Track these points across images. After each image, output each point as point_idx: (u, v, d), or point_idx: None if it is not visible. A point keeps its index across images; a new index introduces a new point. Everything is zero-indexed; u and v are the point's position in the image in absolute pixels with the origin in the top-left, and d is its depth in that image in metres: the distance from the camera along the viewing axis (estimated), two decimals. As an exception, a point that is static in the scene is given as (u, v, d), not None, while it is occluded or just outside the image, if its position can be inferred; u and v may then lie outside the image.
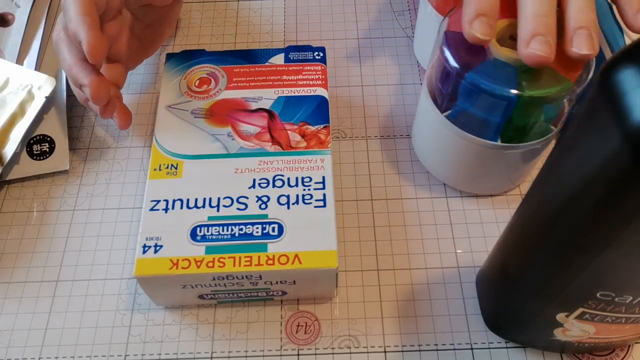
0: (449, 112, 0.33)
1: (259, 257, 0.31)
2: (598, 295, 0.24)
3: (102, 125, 0.42)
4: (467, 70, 0.30)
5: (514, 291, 0.29)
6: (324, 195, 0.33)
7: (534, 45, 0.28)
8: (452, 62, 0.31)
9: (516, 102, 0.30)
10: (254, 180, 0.33)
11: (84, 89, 0.34)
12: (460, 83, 0.31)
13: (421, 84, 0.43)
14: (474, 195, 0.38)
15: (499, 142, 0.32)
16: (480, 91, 0.30)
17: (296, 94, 0.37)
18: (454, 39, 0.32)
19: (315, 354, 0.33)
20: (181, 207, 0.32)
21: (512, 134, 0.32)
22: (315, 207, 0.32)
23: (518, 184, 0.38)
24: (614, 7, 0.38)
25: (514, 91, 0.29)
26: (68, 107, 0.41)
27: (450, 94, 0.32)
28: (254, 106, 0.37)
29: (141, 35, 0.40)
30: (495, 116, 0.31)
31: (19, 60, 0.42)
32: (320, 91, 0.37)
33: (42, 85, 0.39)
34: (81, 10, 0.33)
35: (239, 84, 0.38)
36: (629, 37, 0.38)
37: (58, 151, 0.39)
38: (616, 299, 0.24)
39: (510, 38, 0.31)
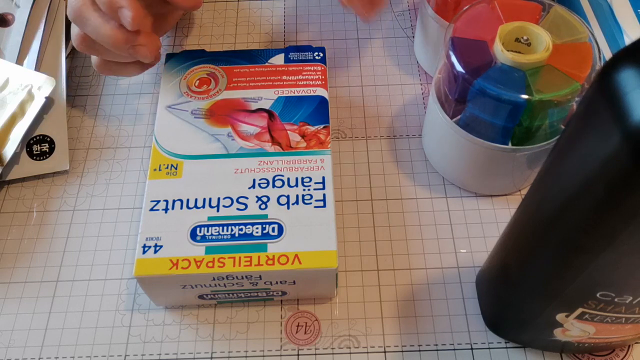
0: (458, 117, 0.33)
1: (258, 257, 0.31)
2: (598, 295, 0.24)
3: (102, 126, 0.42)
4: (474, 76, 0.30)
5: (514, 291, 0.29)
6: (324, 195, 0.33)
7: None
8: (459, 69, 0.31)
9: (526, 106, 0.30)
10: (254, 180, 0.33)
11: (139, 48, 0.34)
12: (469, 89, 0.31)
13: (421, 84, 0.43)
14: (474, 195, 0.38)
15: (509, 145, 0.32)
16: (489, 97, 0.30)
17: (296, 94, 0.37)
18: (460, 45, 0.32)
19: (315, 354, 0.33)
20: (181, 207, 0.32)
21: (523, 137, 0.32)
22: (315, 207, 0.32)
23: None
24: (613, 7, 0.39)
25: (523, 96, 0.29)
26: (68, 107, 0.41)
27: (459, 99, 0.32)
28: (253, 106, 0.37)
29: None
30: (506, 121, 0.31)
31: (19, 61, 0.42)
32: (320, 91, 0.37)
33: (42, 86, 0.39)
34: None
35: (238, 84, 0.38)
36: (629, 37, 0.38)
37: (58, 151, 0.39)
38: (616, 299, 0.24)
39: (516, 41, 0.31)
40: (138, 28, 0.33)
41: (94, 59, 0.37)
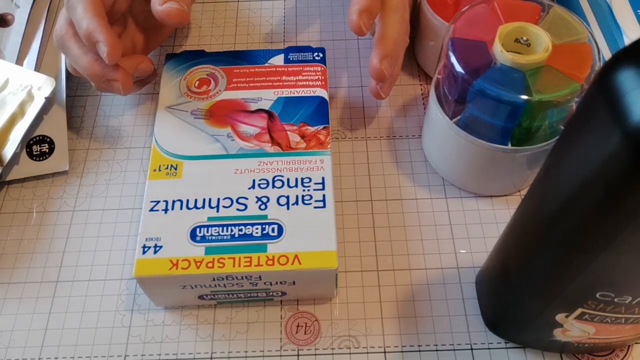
0: (458, 118, 0.33)
1: (258, 257, 0.31)
2: (598, 295, 0.24)
3: (102, 126, 0.42)
4: (474, 76, 0.30)
5: (513, 292, 0.29)
6: (324, 195, 0.33)
7: (385, 63, 0.35)
8: (459, 69, 0.31)
9: (526, 107, 0.30)
10: (254, 180, 0.33)
11: (113, 83, 0.35)
12: (469, 90, 0.31)
13: (421, 84, 0.43)
14: (474, 195, 0.38)
15: (509, 146, 0.32)
16: (489, 98, 0.30)
17: (296, 94, 0.37)
18: (459, 46, 0.32)
19: (315, 355, 0.33)
20: (181, 208, 0.32)
21: (522, 137, 0.32)
22: (314, 207, 0.32)
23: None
24: (613, 7, 0.39)
25: (523, 96, 0.29)
26: (68, 108, 0.41)
27: (458, 100, 0.32)
28: (253, 107, 0.37)
29: (135, 39, 0.40)
30: (505, 121, 0.31)
31: (19, 61, 0.42)
32: (320, 92, 0.37)
33: (42, 86, 0.39)
34: (93, 11, 0.33)
35: (238, 85, 0.38)
36: (629, 38, 0.38)
37: (58, 152, 0.39)
38: (616, 300, 0.24)
39: (515, 41, 0.31)
40: (115, 62, 0.34)
41: None
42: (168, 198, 0.33)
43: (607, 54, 0.37)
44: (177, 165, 0.34)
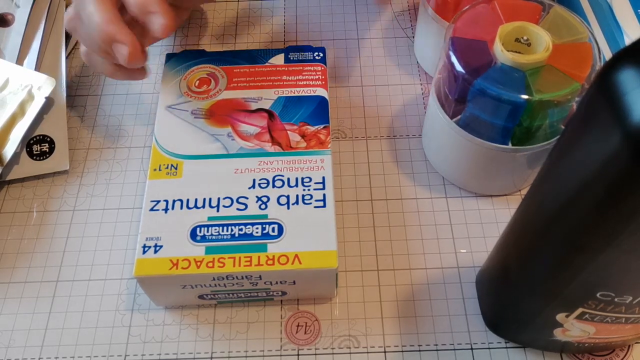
0: (458, 117, 0.33)
1: (258, 257, 0.31)
2: (598, 295, 0.24)
3: (102, 126, 0.42)
4: (474, 76, 0.30)
5: (513, 291, 0.29)
6: (324, 195, 0.33)
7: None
8: (459, 69, 0.31)
9: (526, 106, 0.30)
10: (254, 180, 0.33)
11: (121, 47, 0.33)
12: (469, 89, 0.31)
13: (421, 84, 0.43)
14: (474, 195, 0.38)
15: (509, 146, 0.32)
16: (489, 97, 0.30)
17: (296, 94, 0.37)
18: (460, 45, 0.32)
19: (315, 354, 0.33)
20: (181, 208, 0.32)
21: (523, 137, 0.32)
22: (315, 207, 0.32)
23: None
24: (613, 7, 0.38)
25: (523, 96, 0.29)
26: (68, 107, 0.41)
27: (459, 99, 0.32)
28: (253, 106, 0.37)
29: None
30: (506, 121, 0.31)
31: (19, 61, 0.42)
32: (320, 91, 0.37)
33: (42, 86, 0.39)
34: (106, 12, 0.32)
35: (238, 84, 0.38)
36: (629, 37, 0.38)
37: (58, 151, 0.39)
38: (616, 299, 0.24)
39: (516, 41, 0.31)
40: (145, 10, 0.32)
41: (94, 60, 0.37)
42: (168, 198, 0.33)
43: (607, 54, 0.37)
44: (177, 164, 0.34)
